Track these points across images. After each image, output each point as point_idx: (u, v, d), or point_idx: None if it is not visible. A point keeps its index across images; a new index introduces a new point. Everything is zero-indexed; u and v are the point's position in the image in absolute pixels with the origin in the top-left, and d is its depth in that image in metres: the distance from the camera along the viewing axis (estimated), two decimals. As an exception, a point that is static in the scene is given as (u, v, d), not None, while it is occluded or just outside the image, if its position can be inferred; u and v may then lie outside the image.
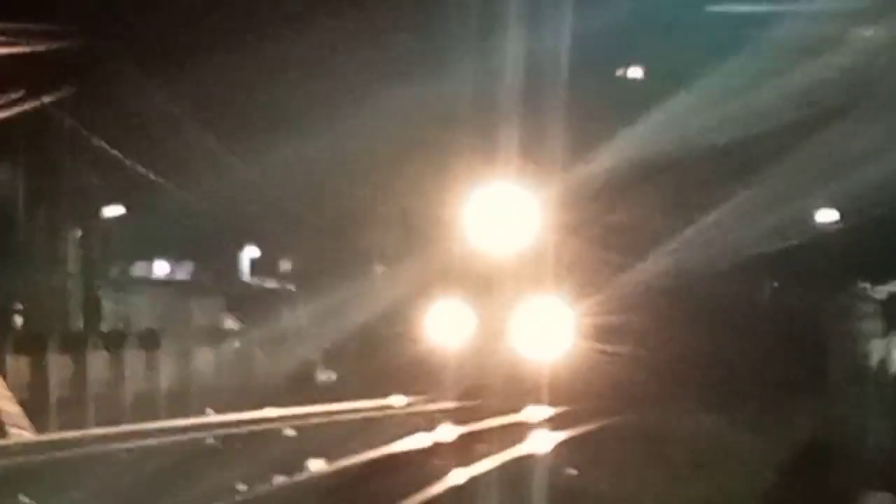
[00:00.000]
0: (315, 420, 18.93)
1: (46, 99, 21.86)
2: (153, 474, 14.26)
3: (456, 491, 14.31)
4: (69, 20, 21.10)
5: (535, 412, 20.34)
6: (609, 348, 22.09)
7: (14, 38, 20.02)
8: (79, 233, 24.65)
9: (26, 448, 16.47)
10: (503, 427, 18.73)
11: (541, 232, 21.97)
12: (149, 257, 27.86)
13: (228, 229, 26.91)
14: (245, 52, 21.48)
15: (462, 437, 17.81)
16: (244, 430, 18.11)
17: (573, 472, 16.16)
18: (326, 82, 22.68)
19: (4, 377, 19.31)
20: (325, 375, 25.22)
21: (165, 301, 26.67)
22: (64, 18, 21.01)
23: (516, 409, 20.17)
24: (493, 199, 22.33)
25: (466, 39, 21.26)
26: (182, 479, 14.02)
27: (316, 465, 15.46)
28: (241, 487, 13.90)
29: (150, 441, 16.78)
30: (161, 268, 28.32)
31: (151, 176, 23.98)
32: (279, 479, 14.46)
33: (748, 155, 21.83)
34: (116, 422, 19.52)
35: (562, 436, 18.46)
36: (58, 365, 21.06)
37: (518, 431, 18.52)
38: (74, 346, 21.76)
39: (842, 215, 24.50)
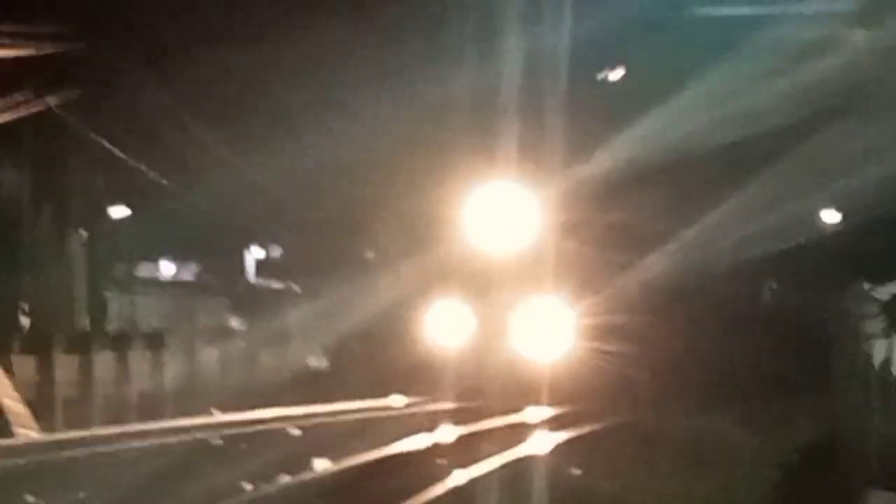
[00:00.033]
0: (316, 420, 18.96)
1: (52, 100, 21.89)
2: (158, 474, 14.28)
3: (460, 492, 14.30)
4: (75, 22, 21.13)
5: (535, 412, 20.35)
6: (609, 348, 22.08)
7: (20, 39, 20.07)
8: (84, 233, 24.66)
9: (33, 447, 16.55)
10: (504, 427, 18.72)
11: (541, 232, 21.94)
12: (154, 258, 27.89)
13: (233, 230, 26.95)
14: (250, 52, 21.50)
15: (463, 438, 17.77)
16: (248, 429, 18.16)
17: (577, 471, 16.14)
18: (329, 83, 22.71)
19: (11, 377, 19.39)
20: (327, 374, 25.24)
21: (171, 301, 26.71)
22: (70, 20, 21.04)
23: (517, 409, 20.18)
24: (493, 198, 22.30)
25: (467, 39, 21.27)
26: (186, 478, 14.06)
27: (319, 465, 15.48)
28: (247, 487, 13.93)
29: (155, 440, 16.85)
30: (166, 268, 28.35)
31: (157, 176, 24.03)
32: (280, 479, 14.48)
33: (750, 155, 21.85)
34: (122, 421, 19.62)
35: (563, 436, 18.45)
36: (64, 365, 21.07)
37: (519, 431, 18.49)
38: (80, 346, 21.78)
39: (844, 216, 24.54)
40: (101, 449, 15.93)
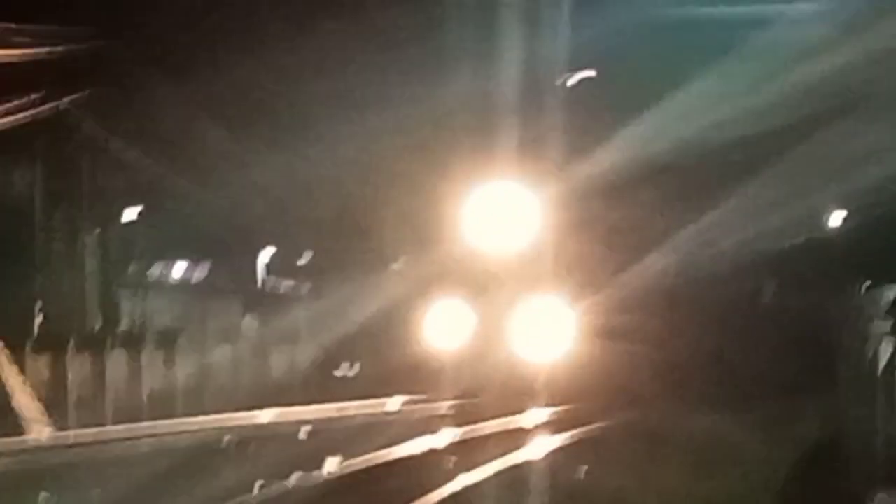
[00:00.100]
0: (315, 420, 18.97)
1: (65, 101, 21.98)
2: (169, 472, 14.34)
3: (466, 492, 14.29)
4: (88, 22, 21.20)
5: (538, 413, 20.36)
6: (610, 348, 22.06)
7: (32, 40, 20.17)
8: (97, 234, 24.70)
9: (47, 445, 16.66)
10: (507, 428, 18.72)
11: (541, 232, 21.88)
12: (167, 258, 27.88)
13: (245, 230, 26.98)
14: (262, 53, 21.54)
15: (466, 438, 17.76)
16: (259, 430, 18.24)
17: (581, 471, 16.12)
18: (336, 83, 22.74)
19: (24, 376, 19.50)
20: (328, 374, 25.28)
21: (183, 302, 26.74)
22: (82, 20, 21.12)
23: (519, 410, 20.21)
24: (493, 198, 22.24)
25: (466, 40, 21.27)
26: (197, 476, 14.13)
27: (317, 470, 15.47)
28: (257, 487, 13.98)
29: (167, 440, 16.95)
30: (179, 269, 28.37)
31: (169, 177, 24.12)
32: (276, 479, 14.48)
33: (754, 154, 21.84)
34: (134, 420, 19.72)
35: (566, 436, 18.43)
36: (76, 364, 21.21)
37: (522, 432, 18.49)
38: (93, 345, 21.91)
39: (849, 216, 24.51)
40: (113, 448, 16.04)
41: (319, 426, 18.70)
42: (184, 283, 28.06)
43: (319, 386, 23.75)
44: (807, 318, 22.95)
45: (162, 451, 15.93)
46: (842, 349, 21.69)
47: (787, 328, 23.06)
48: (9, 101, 20.70)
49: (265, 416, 19.50)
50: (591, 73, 22.02)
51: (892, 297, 21.83)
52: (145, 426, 18.86)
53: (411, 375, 22.04)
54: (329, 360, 25.55)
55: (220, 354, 25.07)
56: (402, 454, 16.12)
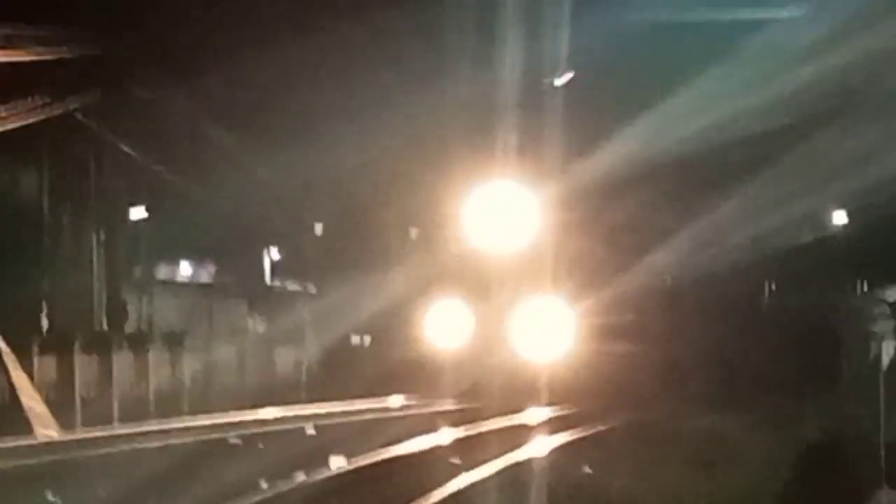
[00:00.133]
0: (315, 420, 19.03)
1: (72, 103, 22.06)
2: (175, 471, 14.40)
3: (466, 491, 14.32)
4: (95, 26, 21.27)
5: (538, 412, 20.38)
6: (610, 348, 22.05)
7: (40, 43, 20.24)
8: (103, 235, 24.76)
9: (53, 446, 16.74)
10: (508, 427, 18.73)
11: (541, 232, 21.84)
12: (172, 259, 27.93)
13: (250, 231, 27.06)
14: (266, 55, 21.60)
15: (469, 438, 17.77)
16: (263, 429, 18.32)
17: (587, 470, 16.14)
18: (339, 85, 22.77)
19: (32, 377, 19.59)
20: (330, 374, 25.34)
21: (189, 302, 26.81)
22: (89, 24, 21.19)
23: (519, 409, 20.24)
24: (493, 198, 22.19)
25: (467, 41, 21.28)
26: (203, 474, 14.19)
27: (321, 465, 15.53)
28: (263, 485, 14.04)
29: (173, 439, 17.02)
30: (184, 269, 28.43)
31: (175, 179, 24.21)
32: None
33: (756, 155, 21.87)
34: (140, 420, 19.80)
35: (569, 435, 18.45)
36: (83, 365, 21.30)
37: (524, 431, 18.49)
38: (100, 346, 22.00)
39: (851, 216, 24.53)
40: (119, 448, 16.11)
41: (321, 425, 18.74)
42: (190, 283, 28.14)
43: (321, 385, 23.83)
44: (807, 318, 22.98)
45: (168, 450, 16.00)
46: (842, 349, 21.72)
47: (788, 328, 23.09)
48: (18, 103, 20.79)
49: (269, 413, 19.59)
50: (590, 73, 22.01)
51: (892, 297, 21.88)
52: (152, 424, 18.96)
53: (412, 375, 22.07)
54: (330, 360, 25.64)
55: (225, 353, 25.17)
56: (402, 453, 16.17)
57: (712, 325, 22.79)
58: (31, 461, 15.24)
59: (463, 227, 22.32)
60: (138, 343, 23.12)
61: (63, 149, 23.41)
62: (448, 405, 20.94)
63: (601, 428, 19.31)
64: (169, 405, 21.69)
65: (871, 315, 22.13)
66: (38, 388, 19.29)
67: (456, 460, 16.08)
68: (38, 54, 20.27)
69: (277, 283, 28.95)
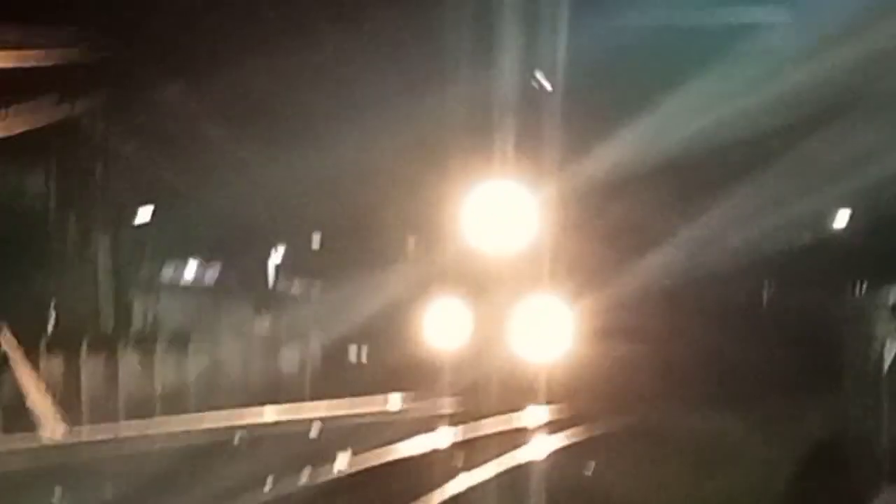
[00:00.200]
0: (318, 418, 19.09)
1: (77, 105, 22.13)
2: (182, 471, 14.46)
3: (466, 491, 14.31)
4: (99, 28, 21.33)
5: (538, 413, 20.48)
6: (610, 348, 22.08)
7: (44, 45, 20.31)
8: (109, 237, 24.81)
9: (60, 446, 16.85)
10: (509, 428, 18.78)
11: (541, 232, 21.86)
12: (178, 261, 27.97)
13: (255, 234, 27.11)
14: (269, 56, 21.64)
15: (468, 438, 17.79)
16: (267, 429, 18.40)
17: (582, 471, 16.15)
18: (340, 85, 22.82)
19: (39, 377, 19.69)
20: (329, 374, 25.39)
21: (194, 303, 26.87)
22: (93, 26, 21.25)
23: (519, 410, 20.33)
24: (492, 197, 22.22)
25: (466, 41, 21.33)
26: (208, 473, 14.27)
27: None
28: (267, 485, 14.09)
29: (179, 439, 17.13)
30: (190, 271, 28.48)
31: (181, 182, 24.27)
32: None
33: (756, 154, 21.89)
34: (147, 420, 19.90)
35: (569, 435, 18.47)
36: (90, 365, 21.40)
37: (524, 432, 18.54)
38: (106, 347, 22.10)
39: (853, 216, 24.52)
40: (127, 447, 16.21)
41: (322, 424, 18.81)
42: (195, 284, 28.19)
43: (322, 384, 23.89)
44: (808, 318, 22.99)
45: (174, 449, 16.09)
46: (843, 349, 21.73)
47: (788, 328, 23.10)
48: (23, 105, 20.87)
49: (273, 413, 19.67)
50: (590, 74, 22.05)
51: (893, 298, 21.88)
52: (158, 423, 19.07)
53: (412, 374, 22.12)
54: (331, 359, 25.70)
55: (230, 353, 25.25)
56: (402, 453, 16.18)
57: (712, 325, 22.78)
58: (39, 461, 15.31)
59: (462, 226, 22.34)
60: (144, 344, 23.22)
61: (69, 152, 23.47)
62: (447, 405, 20.99)
63: (601, 428, 19.34)
64: (174, 405, 21.79)
65: (872, 316, 22.18)
66: (46, 387, 19.39)
67: (453, 460, 16.13)
68: (43, 57, 20.33)
69: (281, 285, 28.98)
